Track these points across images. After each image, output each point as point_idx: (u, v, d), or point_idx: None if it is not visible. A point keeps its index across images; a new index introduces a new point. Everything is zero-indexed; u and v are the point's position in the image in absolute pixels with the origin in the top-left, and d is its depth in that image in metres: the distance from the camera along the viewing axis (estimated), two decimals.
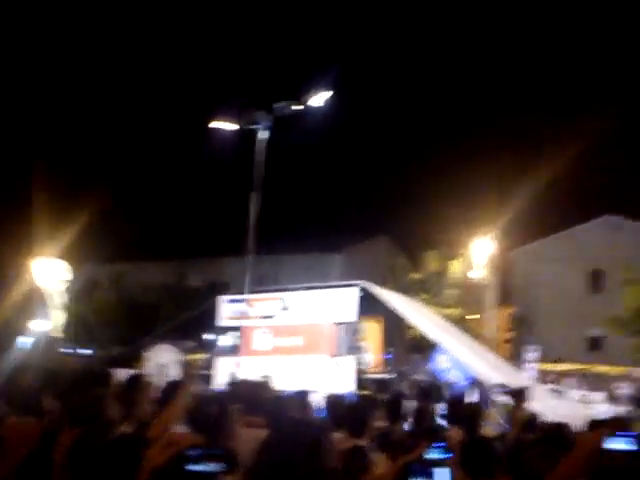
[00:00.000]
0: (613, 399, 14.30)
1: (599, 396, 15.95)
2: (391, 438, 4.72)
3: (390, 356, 16.61)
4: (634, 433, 2.84)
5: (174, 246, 34.98)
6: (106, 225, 31.12)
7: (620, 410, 12.27)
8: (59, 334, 22.78)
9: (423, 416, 5.83)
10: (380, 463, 3.76)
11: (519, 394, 8.60)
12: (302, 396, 5.21)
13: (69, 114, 57.77)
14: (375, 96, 65.64)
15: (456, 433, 4.76)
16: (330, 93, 14.43)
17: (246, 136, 15.03)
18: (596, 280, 34.94)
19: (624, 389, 17.21)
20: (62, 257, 23.85)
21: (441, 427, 5.30)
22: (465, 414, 5.24)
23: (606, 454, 2.60)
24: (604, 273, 34.14)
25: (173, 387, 4.07)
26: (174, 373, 13.62)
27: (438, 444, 3.56)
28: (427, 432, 4.53)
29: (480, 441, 3.64)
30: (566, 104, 52.76)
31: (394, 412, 5.53)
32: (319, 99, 14.29)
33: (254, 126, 14.53)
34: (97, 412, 3.66)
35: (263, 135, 14.37)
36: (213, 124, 15.38)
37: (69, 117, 59.39)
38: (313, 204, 45.24)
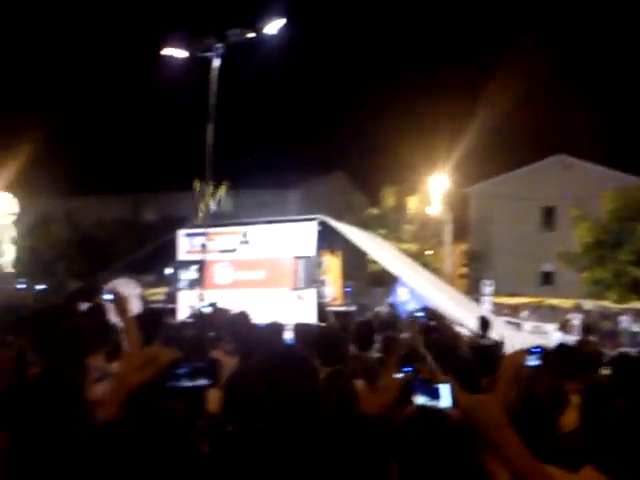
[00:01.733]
0: (565, 329, 14.80)
1: (552, 327, 16.49)
2: (364, 364, 4.71)
3: (350, 289, 16.76)
4: (540, 349, 3.19)
5: (128, 180, 34.16)
6: (58, 159, 30.19)
7: (571, 338, 12.70)
8: (10, 269, 22.25)
9: (392, 343, 5.85)
10: (359, 389, 3.74)
11: (484, 323, 8.86)
12: (278, 326, 5.18)
13: (12, 38, 54.92)
14: (331, 26, 64.18)
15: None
16: (283, 21, 13.94)
17: (199, 64, 14.47)
18: (548, 217, 35.76)
19: (575, 319, 17.88)
20: (10, 190, 23.08)
21: (412, 354, 5.31)
22: (440, 341, 5.27)
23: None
24: (556, 210, 34.90)
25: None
26: (134, 307, 13.46)
27: (408, 368, 3.55)
28: (402, 359, 4.51)
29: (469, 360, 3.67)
30: (519, 42, 52.55)
31: (364, 339, 5.52)
32: (273, 27, 13.83)
33: (207, 54, 13.96)
34: (69, 343, 3.52)
35: (217, 63, 13.87)
36: (165, 51, 14.72)
37: (13, 42, 56.51)
38: (268, 138, 44.57)
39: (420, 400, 1.62)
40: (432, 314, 8.72)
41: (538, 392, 3.19)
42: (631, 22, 61.71)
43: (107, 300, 4.58)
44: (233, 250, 15.01)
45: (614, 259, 26.14)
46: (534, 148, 36.12)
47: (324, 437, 1.34)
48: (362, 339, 5.55)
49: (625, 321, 18.85)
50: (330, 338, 4.65)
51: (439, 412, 1.62)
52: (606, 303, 24.36)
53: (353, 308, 14.58)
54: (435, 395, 1.61)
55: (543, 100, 54.70)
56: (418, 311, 10.58)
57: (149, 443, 1.20)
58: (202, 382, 1.57)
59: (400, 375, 3.37)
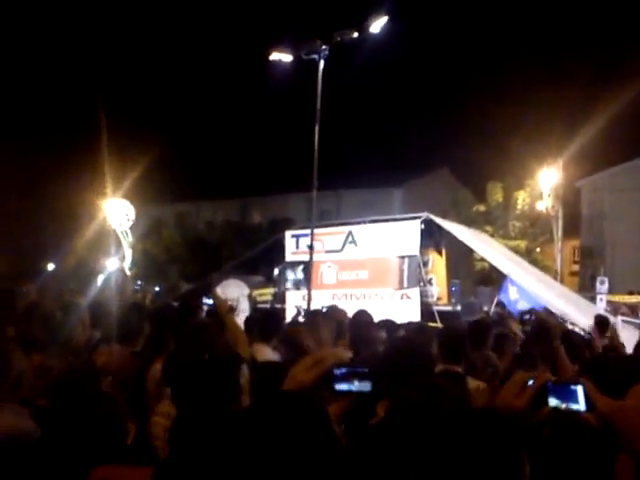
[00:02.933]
0: None
1: None
2: (485, 363, 4.62)
3: (455, 288, 16.46)
4: None
5: (236, 185, 35.27)
6: (169, 165, 31.62)
7: None
8: (128, 272, 23.49)
9: (505, 341, 5.72)
10: (475, 388, 3.71)
11: (602, 323, 8.46)
12: (391, 323, 5.22)
13: (127, 54, 58.05)
14: (434, 21, 63.31)
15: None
16: (385, 19, 13.79)
17: (305, 68, 14.63)
18: None
19: None
20: (127, 197, 24.41)
21: (526, 353, 5.17)
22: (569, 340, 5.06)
23: None
24: None
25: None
26: (244, 307, 13.88)
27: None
28: (521, 358, 4.41)
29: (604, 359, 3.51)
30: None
31: (479, 338, 5.37)
32: (375, 26, 13.73)
33: (313, 55, 14.07)
34: (195, 339, 3.73)
35: (322, 65, 13.97)
36: (273, 56, 14.98)
37: (127, 56, 59.67)
38: (371, 138, 44.56)
39: (554, 402, 1.56)
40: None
41: None
42: None
43: (207, 303, 4.77)
44: (338, 250, 15.14)
45: None
46: None
47: (460, 431, 1.35)
48: (476, 337, 5.41)
49: None
50: (454, 336, 4.53)
51: (576, 416, 1.55)
52: None
53: (458, 308, 14.33)
54: (571, 398, 1.53)
55: None
56: (529, 311, 10.27)
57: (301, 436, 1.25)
58: (365, 387, 1.61)
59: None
